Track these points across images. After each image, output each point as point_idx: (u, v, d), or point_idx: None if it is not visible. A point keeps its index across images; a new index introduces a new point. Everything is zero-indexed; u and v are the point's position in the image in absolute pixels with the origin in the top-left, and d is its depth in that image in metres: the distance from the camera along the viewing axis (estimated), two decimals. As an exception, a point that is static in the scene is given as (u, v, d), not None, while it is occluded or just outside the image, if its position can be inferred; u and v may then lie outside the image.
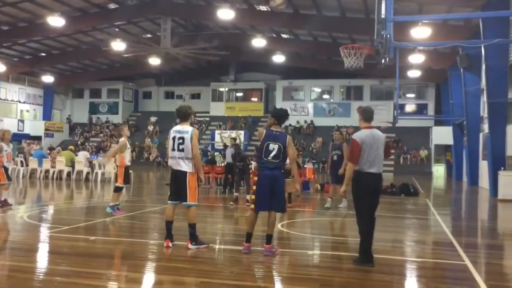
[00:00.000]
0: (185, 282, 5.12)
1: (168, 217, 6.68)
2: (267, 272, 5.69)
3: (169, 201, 6.77)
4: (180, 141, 6.44)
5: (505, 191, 14.88)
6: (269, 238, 6.32)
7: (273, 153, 6.38)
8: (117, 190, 9.77)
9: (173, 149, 6.50)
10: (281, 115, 6.62)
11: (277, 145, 6.37)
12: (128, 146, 9.92)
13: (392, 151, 6.18)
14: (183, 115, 6.64)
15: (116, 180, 9.94)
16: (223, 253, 6.81)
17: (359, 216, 6.02)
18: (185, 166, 6.47)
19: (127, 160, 9.75)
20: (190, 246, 6.51)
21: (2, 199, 10.48)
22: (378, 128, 6.47)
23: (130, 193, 15.52)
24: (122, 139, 9.86)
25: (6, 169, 10.48)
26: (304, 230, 9.07)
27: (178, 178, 6.53)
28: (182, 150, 6.44)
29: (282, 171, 6.51)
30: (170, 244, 6.53)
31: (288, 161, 6.90)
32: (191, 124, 6.75)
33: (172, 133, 6.55)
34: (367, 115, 6.18)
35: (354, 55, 17.37)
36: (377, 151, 5.92)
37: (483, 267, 6.35)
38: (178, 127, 6.60)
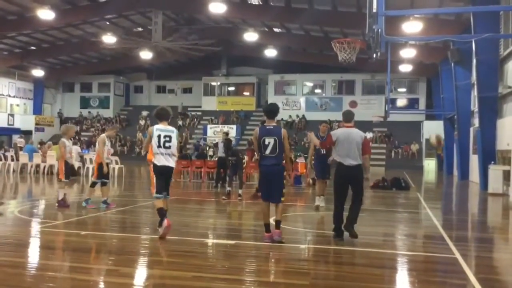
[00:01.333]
0: (177, 276, 5.12)
1: (163, 205, 6.97)
2: (259, 266, 5.70)
3: (159, 195, 6.98)
4: (167, 139, 6.99)
5: (495, 185, 15.00)
6: (277, 224, 6.71)
7: (269, 147, 6.62)
8: (93, 185, 9.92)
9: (159, 146, 6.96)
10: (271, 110, 6.90)
11: (272, 139, 6.62)
12: (107, 142, 9.94)
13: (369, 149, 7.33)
14: (165, 116, 7.20)
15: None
16: (215, 247, 6.82)
17: (334, 197, 7.26)
18: (172, 162, 7.07)
19: (105, 157, 9.83)
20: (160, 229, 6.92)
21: (60, 198, 9.71)
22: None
23: (122, 188, 15.47)
24: (102, 136, 9.99)
25: (67, 165, 9.70)
26: (296, 224, 9.09)
27: (167, 173, 7.07)
28: (169, 147, 7.00)
29: (280, 165, 6.71)
30: (170, 222, 6.82)
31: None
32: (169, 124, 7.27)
33: (155, 131, 6.99)
34: (346, 117, 7.37)
35: (346, 49, 17.37)
36: (349, 146, 6.98)
37: (473, 260, 6.41)
38: (161, 126, 7.09)
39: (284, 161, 6.83)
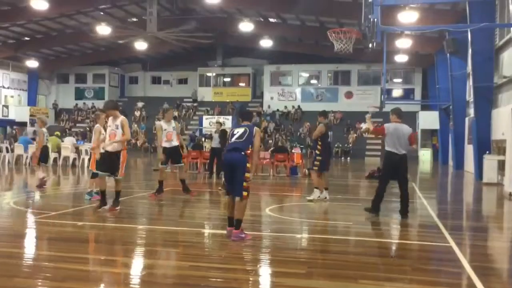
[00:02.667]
0: (173, 266, 5.14)
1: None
2: (255, 255, 5.73)
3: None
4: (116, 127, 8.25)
5: (490, 174, 15.08)
6: (236, 223, 6.25)
7: (237, 135, 6.48)
8: (93, 176, 9.73)
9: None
10: (243, 114, 7.21)
11: (242, 129, 6.51)
12: (103, 132, 9.87)
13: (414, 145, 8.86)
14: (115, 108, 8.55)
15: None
16: (211, 237, 6.84)
17: (383, 182, 8.66)
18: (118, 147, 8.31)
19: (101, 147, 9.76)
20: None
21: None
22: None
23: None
24: (96, 126, 9.84)
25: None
26: (292, 215, 9.13)
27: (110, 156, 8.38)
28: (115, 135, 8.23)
29: (243, 153, 6.31)
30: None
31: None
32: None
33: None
34: (398, 113, 8.51)
35: (342, 39, 17.33)
36: (401, 138, 8.32)
37: (468, 249, 6.46)
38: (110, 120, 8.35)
39: (248, 151, 6.37)
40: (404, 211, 8.25)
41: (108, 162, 8.36)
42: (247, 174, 6.27)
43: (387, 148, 8.35)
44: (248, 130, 6.46)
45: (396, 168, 8.34)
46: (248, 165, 6.29)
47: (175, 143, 10.14)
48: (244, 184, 6.22)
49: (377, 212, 8.30)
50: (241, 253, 5.79)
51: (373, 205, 8.36)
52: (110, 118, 8.34)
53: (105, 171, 8.44)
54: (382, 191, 8.38)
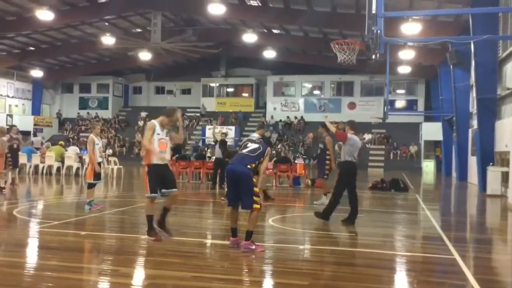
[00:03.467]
0: (176, 276, 5.12)
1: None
2: (258, 266, 5.70)
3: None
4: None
5: (494, 186, 15.01)
6: (246, 234, 6.27)
7: (249, 149, 6.49)
8: (90, 186, 9.80)
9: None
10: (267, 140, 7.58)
11: (256, 145, 6.52)
12: (96, 141, 9.92)
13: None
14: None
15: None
16: (214, 248, 6.82)
17: (340, 192, 8.82)
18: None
19: (97, 157, 9.81)
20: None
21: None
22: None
23: (121, 189, 15.46)
24: (90, 136, 9.92)
25: (6, 159, 10.71)
26: (295, 225, 9.10)
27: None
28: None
29: (249, 166, 6.28)
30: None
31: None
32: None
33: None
34: (353, 125, 9.21)
35: (346, 50, 17.38)
36: (358, 149, 8.96)
37: (472, 261, 6.42)
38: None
39: (253, 166, 6.33)
40: (353, 220, 8.60)
41: (166, 176, 7.00)
42: (255, 188, 6.22)
43: (345, 158, 8.70)
44: (261, 148, 6.47)
45: (353, 176, 8.77)
46: (254, 179, 6.25)
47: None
48: (255, 198, 6.19)
49: (327, 220, 8.76)
50: (244, 264, 5.77)
51: (325, 214, 8.82)
52: (158, 126, 6.94)
53: (167, 188, 6.94)
54: (338, 200, 8.73)
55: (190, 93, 42.67)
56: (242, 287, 4.89)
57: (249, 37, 27.32)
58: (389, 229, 8.66)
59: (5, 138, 12.91)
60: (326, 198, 10.65)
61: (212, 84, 41.13)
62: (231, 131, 34.51)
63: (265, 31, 30.40)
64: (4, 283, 4.71)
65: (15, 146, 13.90)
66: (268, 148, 6.58)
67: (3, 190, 12.43)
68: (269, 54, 31.07)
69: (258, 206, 6.22)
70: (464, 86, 21.59)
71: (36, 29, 28.50)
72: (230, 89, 41.38)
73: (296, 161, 19.19)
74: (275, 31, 30.41)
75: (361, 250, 6.75)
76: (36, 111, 39.64)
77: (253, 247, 6.21)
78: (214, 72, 41.26)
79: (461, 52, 19.46)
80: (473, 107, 20.09)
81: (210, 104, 40.47)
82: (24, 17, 26.28)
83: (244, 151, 6.48)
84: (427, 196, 16.32)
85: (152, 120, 7.03)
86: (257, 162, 6.40)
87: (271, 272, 5.53)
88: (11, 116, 37.33)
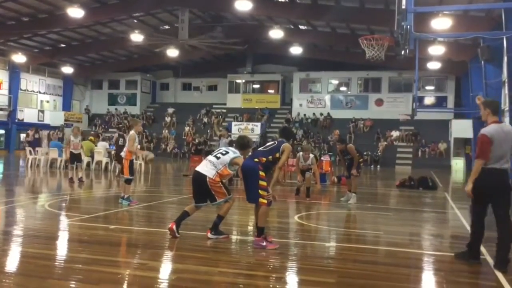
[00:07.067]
0: (203, 271, 5.17)
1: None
2: (284, 263, 5.70)
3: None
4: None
5: (526, 185, 14.58)
6: (257, 230, 6.27)
7: (264, 146, 6.80)
8: (128, 182, 9.84)
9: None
10: (282, 130, 7.45)
11: (273, 142, 6.75)
12: (137, 139, 10.07)
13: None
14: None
15: (122, 173, 10.04)
16: (240, 243, 6.85)
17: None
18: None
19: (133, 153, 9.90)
20: (209, 235, 6.61)
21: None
22: None
23: (148, 184, 15.68)
24: (131, 133, 9.94)
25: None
26: (321, 223, 9.06)
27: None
28: None
29: (256, 160, 6.28)
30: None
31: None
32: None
33: None
34: (495, 107, 5.62)
35: (374, 46, 17.17)
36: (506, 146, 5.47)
37: (503, 262, 6.25)
38: None
39: (263, 159, 6.29)
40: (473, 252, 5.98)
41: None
42: (262, 182, 6.19)
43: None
44: (276, 143, 6.60)
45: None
46: (261, 173, 6.20)
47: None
48: (261, 192, 6.16)
49: (477, 259, 5.87)
50: (269, 260, 5.78)
51: (468, 247, 6.01)
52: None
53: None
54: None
55: (216, 90, 42.93)
56: (267, 283, 4.91)
57: (276, 33, 27.27)
58: (417, 228, 8.53)
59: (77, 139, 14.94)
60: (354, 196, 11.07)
61: (238, 81, 41.24)
62: (256, 128, 34.57)
63: (292, 27, 30.29)
64: (37, 275, 4.85)
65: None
66: (286, 144, 6.46)
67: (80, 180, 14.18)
68: (296, 50, 30.96)
69: (265, 201, 6.15)
70: (496, 83, 21.04)
71: (67, 27, 29.14)
72: (256, 86, 41.42)
73: (322, 158, 19.09)
74: (302, 27, 30.27)
75: (388, 249, 6.67)
76: (66, 107, 40.57)
77: (264, 243, 6.18)
78: (240, 68, 41.37)
79: (493, 47, 18.99)
80: (505, 104, 19.57)
81: (236, 100, 40.60)
82: (55, 14, 26.89)
83: (260, 148, 6.78)
84: (456, 194, 16.00)
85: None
86: (270, 156, 6.36)
87: (296, 269, 5.52)
88: (42, 111, 38.29)
